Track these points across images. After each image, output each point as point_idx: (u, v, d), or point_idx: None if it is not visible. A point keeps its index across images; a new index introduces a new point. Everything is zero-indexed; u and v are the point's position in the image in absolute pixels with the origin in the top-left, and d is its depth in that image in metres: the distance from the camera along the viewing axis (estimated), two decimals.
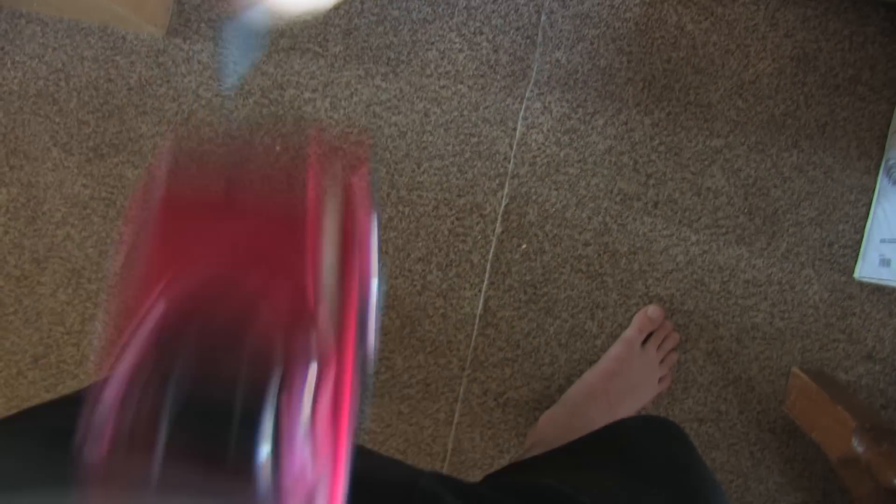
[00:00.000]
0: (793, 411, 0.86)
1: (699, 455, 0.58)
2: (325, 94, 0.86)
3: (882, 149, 0.86)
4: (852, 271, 0.86)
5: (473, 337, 0.86)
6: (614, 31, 0.85)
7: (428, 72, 0.85)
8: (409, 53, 0.86)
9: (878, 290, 0.86)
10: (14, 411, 0.40)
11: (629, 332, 0.85)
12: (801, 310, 0.86)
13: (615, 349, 0.84)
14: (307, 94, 0.86)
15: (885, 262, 0.82)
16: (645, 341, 0.85)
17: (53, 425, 0.35)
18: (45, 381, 0.91)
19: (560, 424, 0.82)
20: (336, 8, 0.86)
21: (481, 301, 0.86)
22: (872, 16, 0.84)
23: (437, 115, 0.85)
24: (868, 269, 0.85)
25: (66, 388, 0.91)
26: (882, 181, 0.85)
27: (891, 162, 0.84)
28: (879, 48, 0.85)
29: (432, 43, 0.85)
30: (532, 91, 0.85)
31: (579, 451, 0.62)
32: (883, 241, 0.83)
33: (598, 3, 0.85)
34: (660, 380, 0.85)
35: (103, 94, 0.90)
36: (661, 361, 0.85)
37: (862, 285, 0.86)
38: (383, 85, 0.86)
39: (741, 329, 0.86)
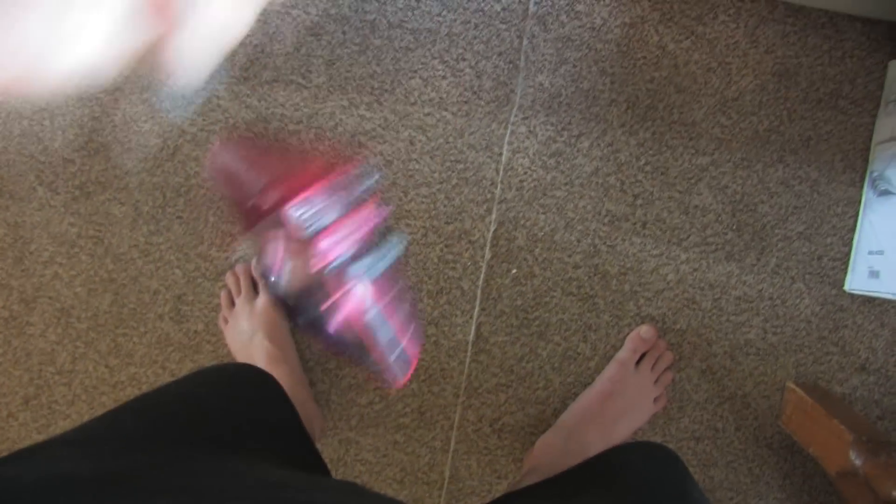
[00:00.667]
0: (789, 426, 0.86)
1: (694, 481, 0.58)
2: (309, 126, 0.86)
3: (866, 161, 0.86)
4: (842, 284, 0.86)
5: (467, 364, 0.85)
6: (596, 53, 0.85)
7: (412, 100, 0.85)
8: (392, 82, 0.86)
9: (869, 302, 0.86)
10: (5, 454, 0.39)
11: (622, 353, 0.84)
12: (793, 324, 0.86)
13: (609, 371, 0.84)
14: (291, 126, 0.86)
15: (874, 274, 0.82)
16: (639, 362, 0.84)
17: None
18: (36, 423, 0.91)
19: (556, 448, 0.81)
20: (318, 38, 0.86)
21: (473, 327, 0.85)
22: (849, 31, 0.85)
23: (422, 143, 0.85)
24: (858, 281, 0.85)
25: (59, 428, 0.90)
26: (867, 193, 0.86)
27: (875, 174, 0.85)
28: (858, 62, 0.85)
29: (415, 71, 0.86)
30: (516, 115, 0.85)
31: (574, 479, 0.61)
32: (871, 252, 0.84)
33: (580, 26, 0.86)
34: (655, 400, 0.85)
35: (88, 132, 0.90)
36: (656, 381, 0.84)
37: (853, 297, 0.87)
38: (367, 114, 0.86)
39: (734, 346, 0.86)
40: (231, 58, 0.87)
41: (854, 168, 0.86)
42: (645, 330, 0.84)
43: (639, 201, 0.85)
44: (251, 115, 0.87)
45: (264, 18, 0.87)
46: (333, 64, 0.86)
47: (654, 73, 0.86)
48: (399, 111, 0.86)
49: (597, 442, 0.81)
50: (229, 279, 0.88)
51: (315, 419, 0.83)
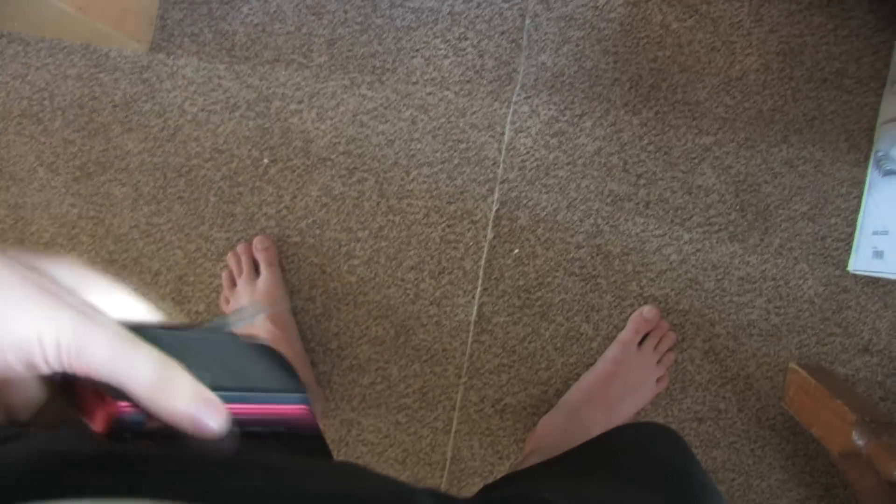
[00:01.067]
0: (792, 407, 0.86)
1: (698, 461, 0.58)
2: (311, 105, 0.86)
3: (871, 141, 0.86)
4: (846, 264, 0.86)
5: (469, 344, 0.85)
6: (599, 32, 0.85)
7: (414, 79, 0.85)
8: (394, 61, 0.85)
9: (873, 283, 0.86)
10: None
11: (625, 334, 0.84)
12: (796, 305, 0.86)
13: (611, 351, 0.84)
14: (293, 106, 0.86)
15: (879, 255, 0.82)
16: (641, 342, 0.84)
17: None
18: None
19: (558, 429, 0.81)
20: (319, 18, 0.86)
21: (475, 308, 0.85)
22: (856, 9, 0.84)
23: (424, 123, 0.85)
24: (861, 261, 0.85)
25: None
26: (872, 173, 0.85)
27: (880, 154, 0.84)
28: (864, 40, 0.85)
29: (417, 50, 0.85)
30: (519, 95, 0.84)
31: (576, 459, 0.61)
32: (875, 233, 0.83)
33: (583, 5, 0.85)
34: (658, 380, 0.84)
35: (88, 113, 0.89)
36: (659, 362, 0.84)
37: (856, 278, 0.86)
38: (369, 94, 0.85)
39: (737, 326, 0.86)
40: (232, 37, 0.87)
41: (859, 148, 0.86)
42: (647, 310, 0.84)
43: (642, 181, 0.85)
44: (252, 94, 0.86)
45: None
46: (335, 43, 0.86)
47: (658, 53, 0.85)
48: (401, 90, 0.85)
49: (599, 422, 0.81)
50: (231, 259, 0.87)
51: (317, 400, 0.83)
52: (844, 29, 0.84)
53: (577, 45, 0.85)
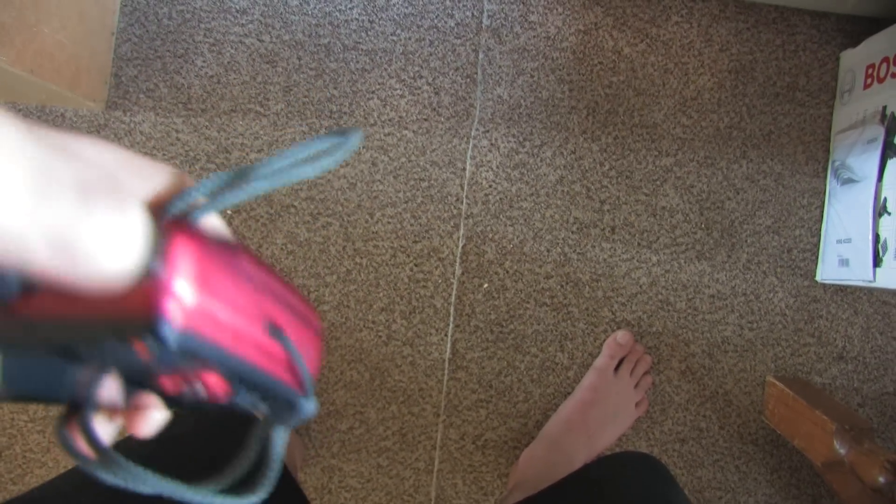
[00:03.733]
0: (773, 420, 0.86)
1: (679, 488, 0.58)
2: (270, 153, 0.85)
3: (827, 151, 0.87)
4: (814, 274, 0.87)
5: (445, 382, 0.85)
6: (553, 62, 0.86)
7: (371, 120, 0.85)
8: (350, 104, 0.85)
9: (842, 291, 0.87)
10: None
11: (600, 360, 0.84)
12: (768, 318, 0.86)
13: (588, 379, 0.84)
14: (253, 155, 0.86)
15: (844, 262, 0.83)
16: (617, 368, 0.84)
17: None
18: (11, 474, 0.89)
19: (541, 460, 0.81)
20: (274, 66, 0.86)
21: (449, 345, 0.85)
22: (800, 24, 0.86)
23: (385, 163, 0.85)
24: (828, 271, 0.85)
25: (35, 477, 0.88)
26: (831, 183, 0.86)
27: (837, 163, 0.85)
28: (811, 54, 0.86)
29: (373, 91, 0.85)
30: (477, 129, 0.85)
31: (559, 494, 0.61)
32: (839, 241, 0.84)
33: (535, 36, 0.86)
34: (636, 404, 0.84)
35: None
36: (636, 386, 0.84)
37: (825, 287, 0.87)
38: None
39: (712, 344, 0.86)
40: (187, 90, 0.87)
41: (816, 159, 0.87)
42: (621, 335, 0.84)
43: (606, 207, 0.85)
44: (211, 146, 0.86)
45: (218, 49, 0.86)
46: (290, 90, 0.86)
47: (612, 78, 0.86)
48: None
49: (581, 451, 0.81)
50: None
51: (296, 449, 0.82)
52: (791, 44, 0.86)
53: (532, 76, 0.85)
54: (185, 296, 0.20)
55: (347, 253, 0.85)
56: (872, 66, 0.81)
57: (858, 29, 0.84)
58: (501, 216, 0.85)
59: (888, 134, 0.78)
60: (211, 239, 0.22)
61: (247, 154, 0.86)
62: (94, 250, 0.19)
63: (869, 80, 0.82)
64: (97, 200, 0.19)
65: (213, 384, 0.23)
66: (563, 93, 0.85)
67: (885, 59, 0.79)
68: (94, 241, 0.19)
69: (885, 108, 0.79)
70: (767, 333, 0.86)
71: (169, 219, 0.21)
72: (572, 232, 0.85)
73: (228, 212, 0.86)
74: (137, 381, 0.24)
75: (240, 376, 0.23)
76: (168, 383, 0.23)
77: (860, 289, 0.87)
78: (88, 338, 0.21)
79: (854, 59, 0.85)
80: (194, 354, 0.21)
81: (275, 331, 0.24)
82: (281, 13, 0.86)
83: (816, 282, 0.87)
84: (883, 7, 0.80)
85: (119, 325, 0.20)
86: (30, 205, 0.17)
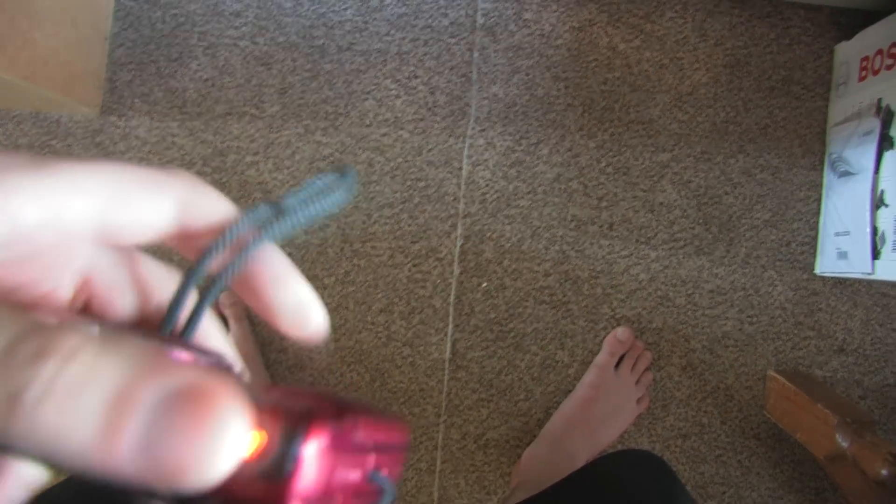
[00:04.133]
0: (774, 414, 0.86)
1: (682, 485, 0.57)
2: (266, 156, 0.85)
3: (824, 144, 0.87)
4: (813, 267, 0.87)
5: (445, 382, 0.84)
6: (548, 60, 0.85)
7: (367, 121, 0.85)
8: (346, 105, 0.85)
9: (841, 283, 0.87)
10: None
11: (601, 357, 0.84)
12: (768, 312, 0.86)
13: (589, 376, 0.83)
14: (249, 158, 0.85)
15: (843, 255, 0.83)
16: (618, 364, 0.84)
17: None
18: None
19: (543, 459, 0.80)
20: (269, 68, 0.86)
21: (448, 345, 0.84)
22: (794, 18, 0.86)
23: (381, 164, 0.85)
24: (827, 263, 0.85)
25: None
26: (828, 175, 0.86)
27: (833, 155, 0.85)
28: (805, 47, 0.86)
29: (368, 92, 0.85)
30: (473, 128, 0.85)
31: (562, 493, 0.61)
32: (837, 234, 0.84)
33: (529, 34, 0.86)
34: (638, 401, 0.84)
35: None
36: (637, 382, 0.84)
37: (824, 280, 0.87)
38: (324, 140, 0.85)
39: (712, 339, 0.86)
40: (182, 94, 0.86)
41: (813, 152, 0.87)
42: (621, 332, 0.84)
43: (603, 203, 0.85)
44: (207, 150, 0.86)
45: (213, 52, 0.86)
46: (286, 92, 0.85)
47: (608, 75, 0.86)
48: (355, 134, 0.85)
49: (583, 449, 0.80)
50: None
51: None
52: (786, 38, 0.86)
53: (528, 74, 0.85)
54: (308, 492, 0.18)
55: (345, 254, 0.84)
56: (867, 58, 0.81)
57: (852, 21, 0.84)
58: (499, 215, 0.85)
59: (884, 126, 0.78)
60: (340, 419, 0.19)
61: (243, 157, 0.85)
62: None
63: (864, 73, 0.82)
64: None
65: None
66: (559, 90, 0.85)
67: (880, 52, 0.79)
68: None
69: (880, 100, 0.78)
70: (767, 327, 0.86)
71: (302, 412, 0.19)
72: (570, 229, 0.85)
73: None
74: None
75: None
76: None
77: (859, 281, 0.87)
78: None
79: (848, 52, 0.85)
80: None
81: (375, 476, 0.21)
82: (275, 15, 0.86)
83: (815, 275, 0.87)
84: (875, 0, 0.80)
85: None
86: None
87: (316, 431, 0.18)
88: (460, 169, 0.84)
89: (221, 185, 0.86)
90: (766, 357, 0.86)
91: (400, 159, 0.84)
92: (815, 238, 0.87)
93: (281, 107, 0.85)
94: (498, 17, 0.85)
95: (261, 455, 0.17)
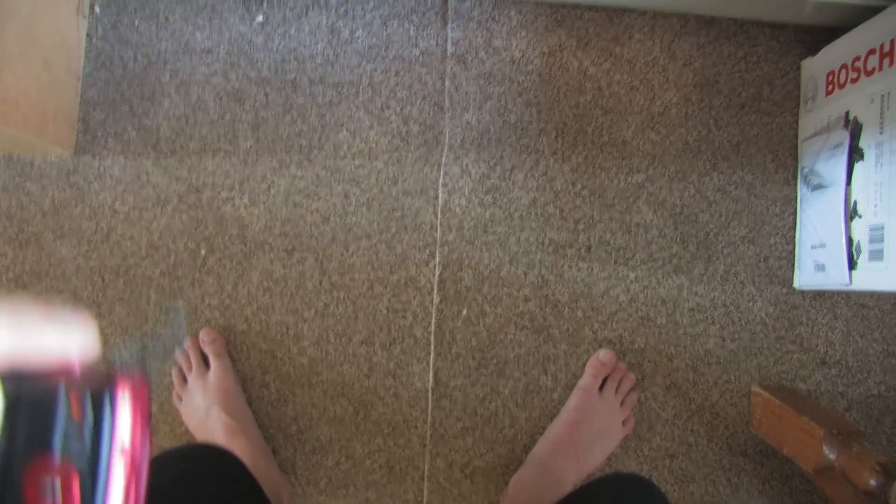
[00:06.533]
0: (761, 430, 0.85)
1: None
2: (242, 191, 0.85)
3: (796, 158, 0.88)
4: (791, 281, 0.87)
5: (429, 411, 0.84)
6: (519, 86, 0.86)
7: (342, 153, 0.85)
8: (320, 138, 0.85)
9: (820, 296, 0.87)
10: None
11: (584, 380, 0.84)
12: (749, 328, 0.86)
13: (574, 400, 0.83)
14: (224, 194, 0.85)
15: (820, 268, 0.83)
16: (602, 386, 0.84)
17: None
18: None
19: (531, 485, 0.80)
20: (241, 104, 0.86)
21: (431, 374, 0.84)
22: (760, 36, 0.87)
23: (357, 195, 0.85)
24: (805, 277, 0.86)
25: None
26: (802, 189, 0.87)
27: (806, 169, 0.86)
28: (772, 64, 0.87)
29: (342, 124, 0.85)
30: (448, 156, 0.85)
31: None
32: (813, 247, 0.84)
33: (499, 61, 0.86)
34: (623, 422, 0.84)
35: (17, 223, 0.88)
36: (622, 404, 0.84)
37: (803, 293, 0.87)
38: (299, 173, 0.85)
39: (695, 357, 0.86)
40: (156, 132, 0.86)
41: (786, 167, 0.87)
42: (603, 354, 0.84)
43: (580, 226, 0.85)
44: (182, 187, 0.85)
45: (185, 89, 0.86)
46: (259, 127, 0.85)
47: (579, 98, 0.86)
48: (330, 166, 0.85)
49: (571, 473, 0.80)
50: (179, 356, 0.85)
51: (282, 487, 0.81)
52: (753, 55, 0.87)
53: (500, 101, 0.86)
54: (137, 397, 0.27)
55: (324, 287, 0.84)
56: (832, 72, 0.82)
57: (816, 38, 0.86)
58: (476, 242, 0.85)
59: (853, 138, 0.79)
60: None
61: (218, 193, 0.85)
62: None
63: (830, 87, 0.83)
64: None
65: (73, 489, 0.26)
66: (532, 115, 0.86)
67: (844, 66, 0.81)
68: None
69: (847, 112, 0.79)
70: (749, 343, 0.86)
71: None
72: (548, 254, 0.85)
73: (203, 252, 0.86)
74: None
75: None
76: (39, 467, 0.26)
77: (838, 293, 0.88)
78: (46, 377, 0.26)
79: (814, 67, 0.86)
80: (110, 443, 0.26)
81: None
82: (246, 51, 0.86)
83: (794, 289, 0.87)
84: (837, 16, 0.81)
85: (76, 384, 0.25)
86: None
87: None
88: (436, 197, 0.84)
89: (198, 222, 0.85)
90: (749, 373, 0.86)
91: (376, 190, 0.84)
92: (792, 252, 0.87)
93: (255, 141, 0.85)
94: (468, 46, 0.86)
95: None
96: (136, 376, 0.27)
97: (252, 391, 0.85)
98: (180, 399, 0.85)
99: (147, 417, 0.28)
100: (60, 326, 0.26)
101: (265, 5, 0.86)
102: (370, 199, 0.84)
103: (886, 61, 0.74)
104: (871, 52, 0.76)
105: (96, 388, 0.26)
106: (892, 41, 0.73)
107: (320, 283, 0.84)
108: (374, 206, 0.84)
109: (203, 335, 0.84)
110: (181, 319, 0.38)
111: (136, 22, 0.87)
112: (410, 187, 0.84)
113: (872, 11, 0.75)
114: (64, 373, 0.26)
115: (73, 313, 0.26)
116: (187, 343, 0.85)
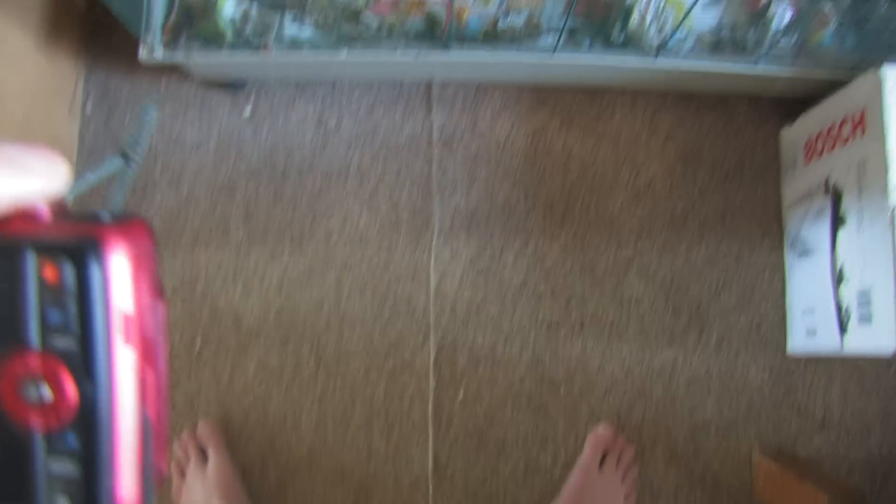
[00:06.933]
0: (764, 498, 0.85)
1: None
2: (235, 282, 0.86)
3: (781, 225, 0.89)
4: (785, 347, 0.87)
5: (430, 496, 0.83)
6: (505, 167, 0.88)
7: (333, 241, 0.86)
8: (311, 226, 0.86)
9: (814, 359, 0.87)
10: None
11: (584, 457, 0.83)
12: (746, 395, 0.86)
13: (574, 477, 0.83)
14: (218, 285, 0.86)
15: (812, 333, 0.84)
16: (602, 462, 0.83)
17: None
18: None
19: None
20: (232, 195, 0.87)
21: (430, 457, 0.84)
22: (739, 107, 0.89)
23: (350, 282, 0.85)
24: (798, 342, 0.86)
25: None
26: (789, 255, 0.88)
27: (792, 236, 0.87)
28: (753, 133, 0.89)
29: (332, 212, 0.86)
30: (438, 240, 0.86)
31: None
32: (804, 312, 0.85)
33: (485, 144, 0.88)
34: (625, 497, 0.83)
35: None
36: (623, 479, 0.83)
37: (797, 358, 0.87)
38: (291, 262, 0.86)
39: (693, 427, 0.86)
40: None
41: (772, 233, 0.88)
42: (602, 429, 0.84)
43: (573, 303, 0.86)
44: (176, 280, 0.86)
45: (176, 183, 0.88)
46: (251, 218, 0.87)
47: (565, 177, 0.88)
48: (321, 254, 0.86)
49: None
50: (176, 449, 0.85)
51: None
52: (733, 126, 0.88)
53: (487, 183, 0.87)
54: (127, 249, 0.19)
55: (320, 375, 0.84)
56: (810, 141, 0.84)
57: (792, 109, 0.87)
58: (470, 324, 0.85)
59: (834, 204, 0.80)
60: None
61: (212, 284, 0.86)
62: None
63: (809, 155, 0.84)
64: None
65: (67, 390, 0.19)
66: (519, 195, 0.87)
67: (820, 135, 0.82)
68: None
69: (827, 179, 0.81)
70: (747, 411, 0.86)
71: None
72: (542, 332, 0.85)
73: (198, 343, 0.86)
74: None
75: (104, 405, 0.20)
76: (12, 368, 0.19)
77: (832, 356, 0.88)
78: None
79: (793, 136, 0.88)
80: (99, 314, 0.19)
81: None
82: (235, 143, 0.88)
83: (788, 355, 0.87)
84: (809, 89, 0.83)
85: (46, 241, 0.18)
86: None
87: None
88: (428, 281, 0.85)
89: (192, 315, 0.86)
90: (748, 441, 0.86)
91: (368, 276, 0.85)
92: (783, 318, 0.88)
93: (247, 232, 0.86)
94: (453, 130, 0.88)
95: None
96: (129, 218, 0.21)
97: (252, 482, 0.84)
98: (180, 494, 0.85)
99: (153, 271, 0.21)
100: (15, 160, 0.19)
101: (252, 98, 0.88)
102: (363, 285, 0.85)
103: (859, 130, 0.76)
104: (844, 121, 0.78)
105: (75, 239, 0.19)
106: (861, 112, 0.75)
107: (316, 370, 0.84)
108: (367, 293, 0.85)
109: (201, 428, 0.84)
110: (152, 119, 0.35)
111: (127, 119, 0.89)
112: (402, 272, 0.85)
113: (842, 83, 0.77)
114: (27, 225, 0.19)
115: (31, 146, 0.20)
116: (185, 435, 0.85)
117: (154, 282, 0.21)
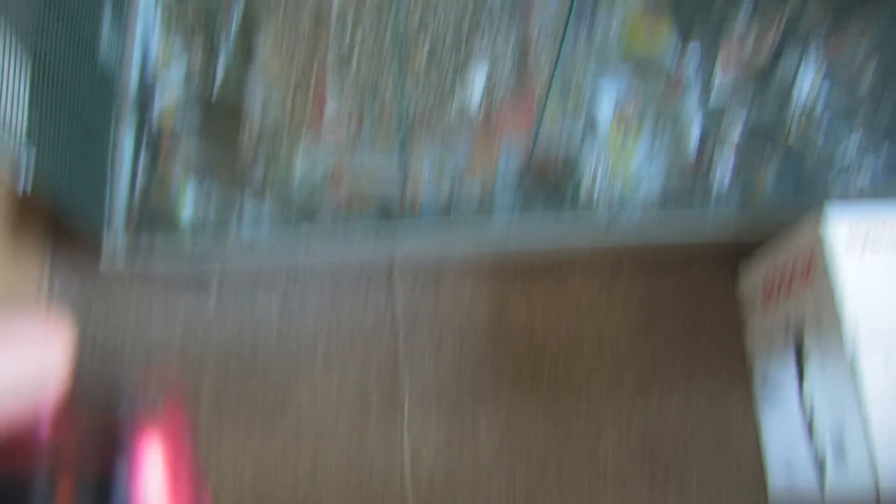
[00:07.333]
0: None
1: None
2: (207, 465, 0.85)
3: (748, 374, 0.90)
4: (767, 496, 0.87)
5: None
6: (471, 339, 0.89)
7: (303, 429, 0.87)
8: (282, 414, 0.87)
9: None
10: None
11: None
12: None
13: None
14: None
15: (791, 479, 0.82)
16: None
17: None
18: None
19: None
20: (200, 382, 0.87)
21: None
22: (695, 255, 0.91)
23: (323, 469, 0.85)
24: (780, 492, 0.85)
25: None
26: (761, 401, 0.88)
27: (760, 376, 0.88)
28: (711, 283, 0.92)
29: (301, 399, 0.87)
30: (409, 417, 0.87)
31: None
32: (781, 463, 0.84)
33: (449, 318, 0.90)
34: None
35: None
36: None
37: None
38: (262, 452, 0.86)
39: None
40: None
41: (741, 384, 0.89)
42: None
43: (549, 465, 0.86)
44: None
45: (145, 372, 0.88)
46: (219, 405, 0.87)
47: (530, 344, 0.90)
48: (291, 443, 0.86)
49: None
50: None
51: None
52: (690, 284, 0.91)
53: (454, 355, 0.89)
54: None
55: None
56: (767, 284, 0.86)
57: (751, 250, 0.89)
58: (448, 496, 0.85)
59: (797, 344, 0.80)
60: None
61: None
62: None
63: (768, 297, 0.86)
64: None
65: None
66: (486, 367, 0.89)
67: (776, 277, 0.83)
68: None
69: (787, 320, 0.81)
70: None
71: None
72: (521, 492, 0.85)
73: None
74: None
75: None
76: None
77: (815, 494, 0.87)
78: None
79: (751, 280, 0.90)
80: None
81: None
82: (201, 332, 0.89)
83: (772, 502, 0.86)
84: (759, 232, 0.85)
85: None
86: None
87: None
88: (402, 459, 0.85)
89: None
90: None
91: (342, 459, 0.85)
92: (762, 465, 0.87)
93: (217, 417, 0.86)
94: (416, 307, 0.90)
95: None
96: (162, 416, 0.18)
97: None
98: None
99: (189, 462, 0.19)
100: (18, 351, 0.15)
101: (215, 295, 0.90)
102: (338, 469, 0.85)
103: (813, 273, 0.76)
104: (795, 265, 0.79)
105: (99, 458, 0.14)
106: (810, 257, 0.76)
107: None
108: (343, 478, 0.85)
109: None
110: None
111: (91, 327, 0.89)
112: (376, 453, 0.86)
113: (792, 223, 0.78)
114: (34, 446, 0.14)
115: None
116: None
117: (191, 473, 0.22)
